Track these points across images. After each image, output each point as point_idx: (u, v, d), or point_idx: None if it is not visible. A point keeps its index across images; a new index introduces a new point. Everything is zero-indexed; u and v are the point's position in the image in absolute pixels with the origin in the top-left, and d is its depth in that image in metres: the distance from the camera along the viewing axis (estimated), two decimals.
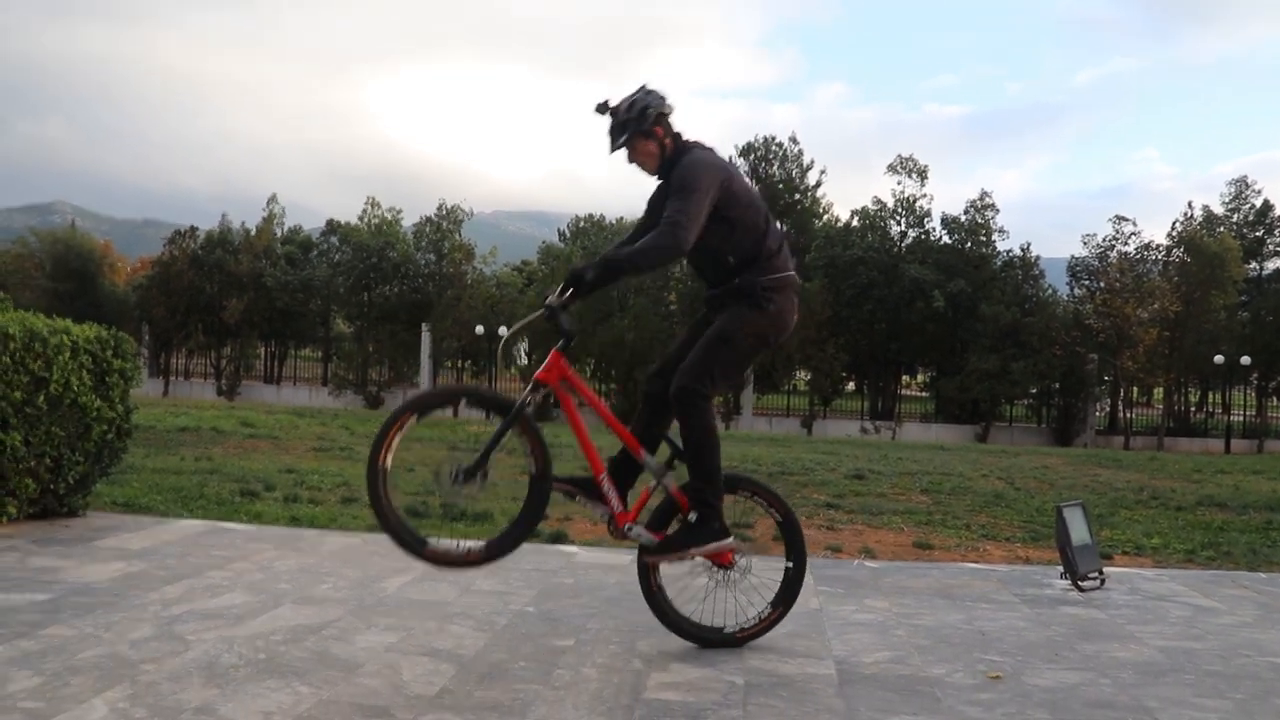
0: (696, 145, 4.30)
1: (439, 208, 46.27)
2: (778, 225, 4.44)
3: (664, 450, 4.35)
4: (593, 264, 4.05)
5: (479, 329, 39.87)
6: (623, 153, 4.27)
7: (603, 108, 4.25)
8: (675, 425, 4.29)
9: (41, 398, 6.03)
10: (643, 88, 4.27)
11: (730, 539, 4.26)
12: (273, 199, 49.62)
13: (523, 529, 4.12)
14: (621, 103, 4.24)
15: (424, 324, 42.47)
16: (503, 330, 39.78)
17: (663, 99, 4.27)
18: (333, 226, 49.45)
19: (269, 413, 24.04)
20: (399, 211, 49.25)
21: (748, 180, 4.32)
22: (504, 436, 4.03)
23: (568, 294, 4.05)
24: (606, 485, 4.20)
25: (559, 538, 7.61)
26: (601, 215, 50.57)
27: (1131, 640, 4.71)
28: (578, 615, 4.76)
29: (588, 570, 5.78)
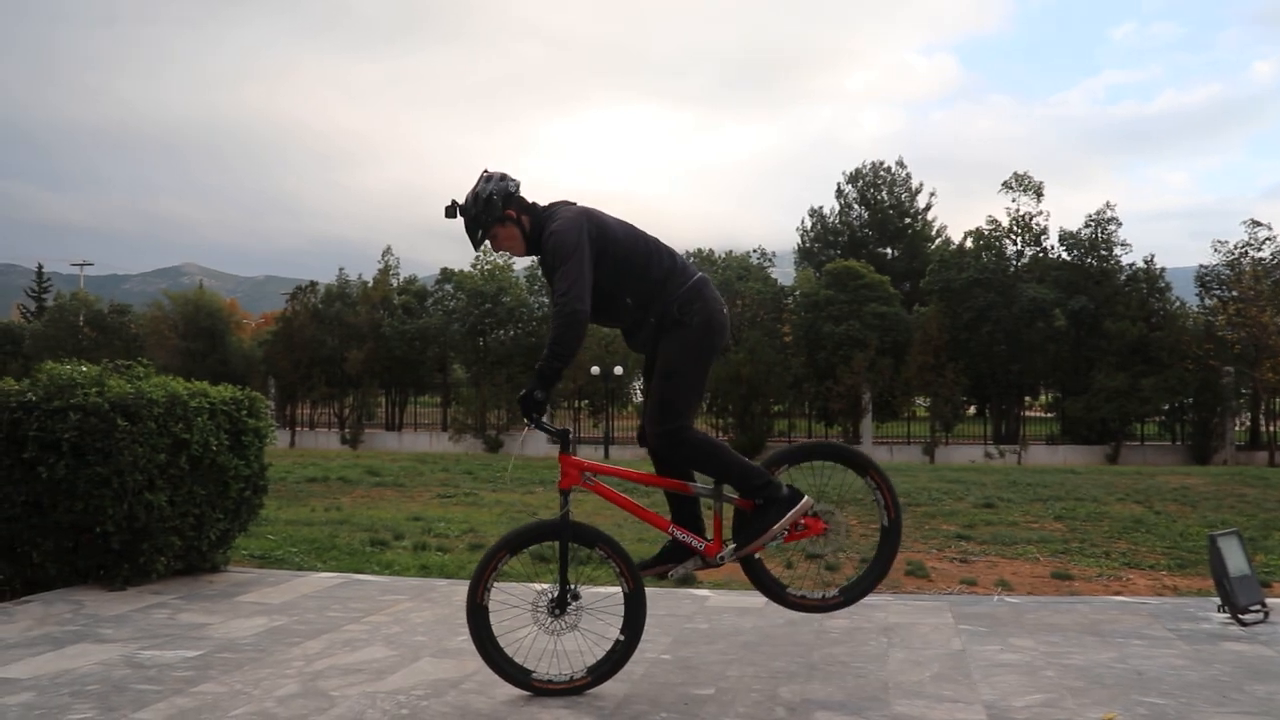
0: (556, 207, 4.33)
1: None
2: (659, 242, 4.40)
3: (706, 476, 4.41)
4: (532, 383, 4.09)
5: (594, 369, 40.12)
6: (486, 245, 4.34)
7: (451, 211, 4.28)
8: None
9: (183, 458, 6.26)
10: (482, 176, 4.30)
11: (806, 498, 4.27)
12: (387, 250, 50.98)
13: (629, 642, 4.27)
14: (467, 200, 4.28)
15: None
16: (619, 369, 39.98)
17: (506, 181, 4.30)
18: (447, 275, 50.48)
19: (392, 460, 24.59)
20: (510, 257, 50.09)
21: (613, 218, 4.30)
22: (567, 556, 4.25)
23: (533, 416, 4.10)
24: (680, 534, 4.32)
25: (688, 581, 7.55)
26: (710, 250, 50.59)
27: None
28: (716, 662, 4.69)
29: (721, 614, 5.70)
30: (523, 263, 49.12)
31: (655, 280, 4.25)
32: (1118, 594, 7.83)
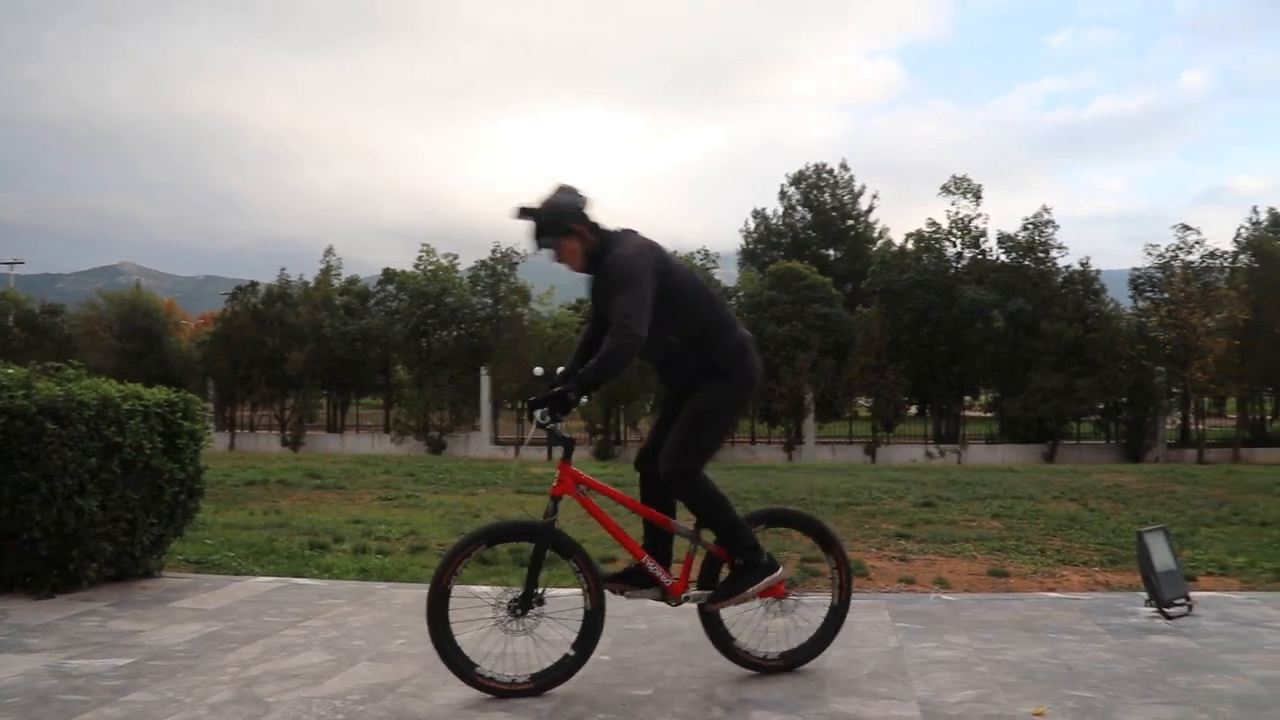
0: (623, 234, 4.41)
1: (494, 251, 46.73)
2: (712, 292, 4.59)
3: (688, 514, 4.49)
4: (571, 386, 4.15)
5: (538, 370, 40.02)
6: (546, 253, 4.41)
7: (523, 213, 4.35)
8: None
9: (115, 462, 6.14)
10: (558, 188, 4.39)
11: (780, 569, 4.44)
12: (329, 250, 50.44)
13: (579, 658, 4.33)
14: (542, 206, 4.35)
15: (483, 368, 42.79)
16: (546, 369, 39.89)
17: (579, 197, 4.38)
18: (389, 275, 50.09)
19: (334, 462, 24.33)
20: (455, 257, 49.83)
21: (674, 258, 4.40)
22: (542, 560, 4.27)
23: (557, 416, 4.16)
24: (651, 565, 4.41)
25: None
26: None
27: (1227, 671, 4.54)
28: (654, 662, 4.71)
29: (660, 615, 5.71)
30: (466, 262, 48.89)
31: (706, 325, 4.39)
32: (1051, 590, 7.96)
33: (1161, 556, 5.80)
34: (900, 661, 4.69)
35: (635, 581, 4.44)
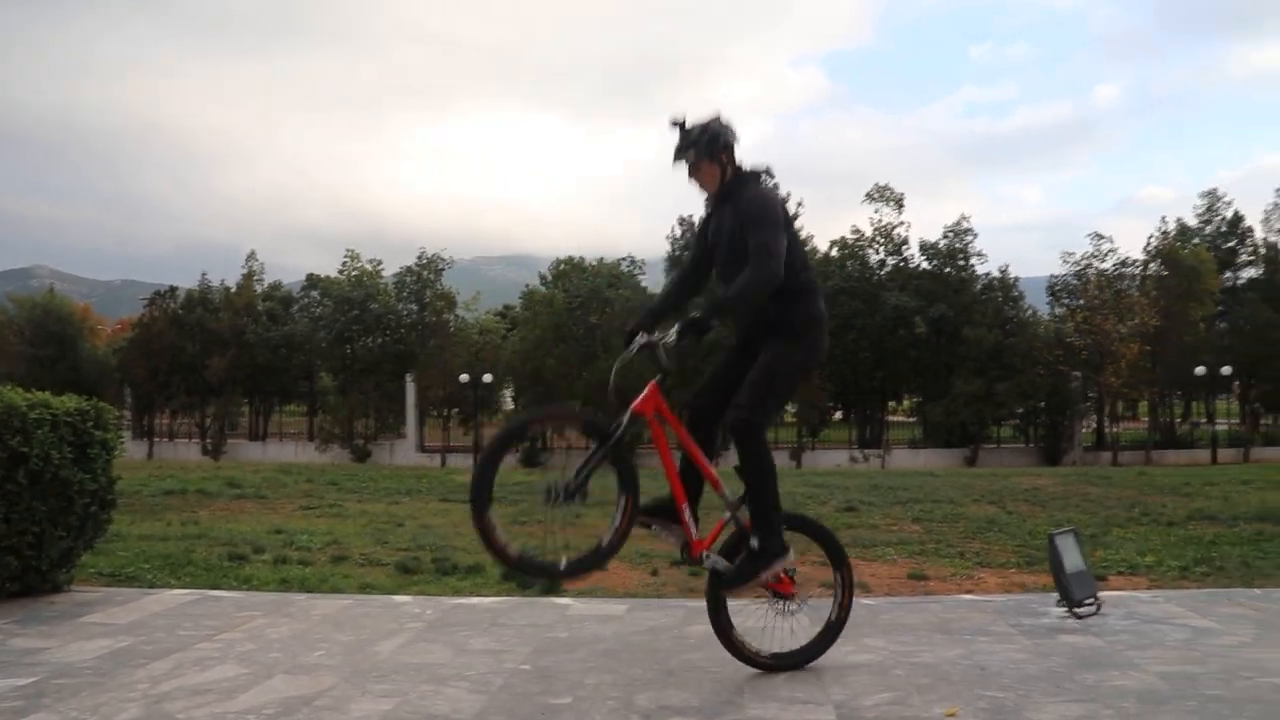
0: (757, 175, 4.58)
1: (419, 257, 46.30)
2: (811, 266, 4.71)
3: (737, 484, 4.54)
4: (705, 313, 4.25)
5: (463, 377, 39.78)
6: (683, 167, 4.54)
7: (678, 124, 4.50)
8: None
9: (21, 473, 5.96)
10: (715, 116, 4.54)
11: (790, 553, 4.52)
12: (251, 255, 49.56)
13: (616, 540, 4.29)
14: (695, 124, 4.50)
15: (408, 374, 42.37)
16: (488, 377, 39.70)
17: (732, 129, 4.55)
18: (313, 281, 49.40)
19: (255, 471, 23.91)
20: (379, 263, 49.33)
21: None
22: (602, 459, 4.22)
23: (686, 339, 4.23)
24: (688, 514, 4.43)
25: (553, 589, 7.54)
26: (582, 257, 50.58)
27: (1131, 667, 4.68)
28: (574, 670, 4.70)
29: (583, 623, 5.72)
30: (390, 269, 48.36)
31: (799, 286, 4.46)
32: (969, 592, 8.13)
33: (1072, 558, 5.95)
34: (818, 666, 4.74)
35: (666, 516, 4.45)
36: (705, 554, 4.46)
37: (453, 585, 8.42)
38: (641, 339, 4.38)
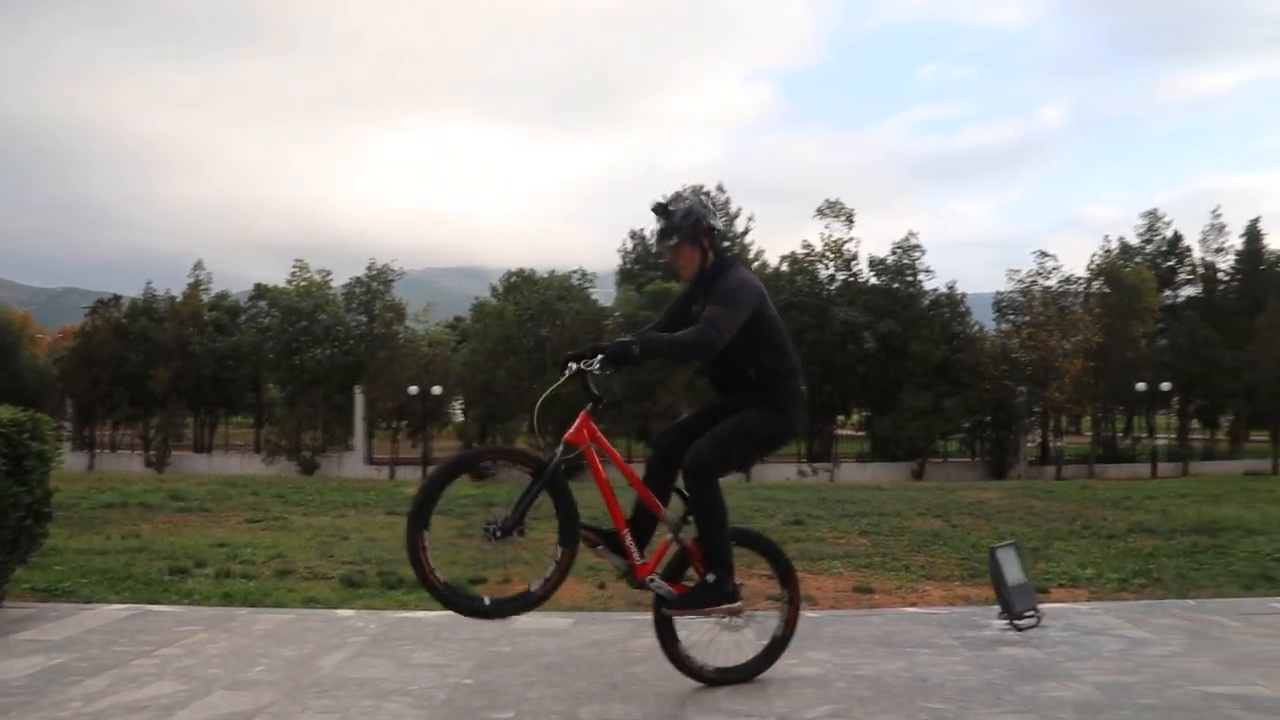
0: (737, 262, 4.75)
1: (369, 267, 45.96)
2: (794, 346, 4.81)
3: (678, 506, 4.60)
4: (635, 341, 4.34)
5: (413, 389, 39.51)
6: (668, 251, 4.65)
7: (659, 209, 4.62)
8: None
9: None
10: (698, 196, 4.67)
11: (739, 602, 4.58)
12: (198, 265, 48.88)
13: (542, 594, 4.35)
14: (677, 208, 4.60)
15: (357, 386, 41.99)
16: (437, 389, 39.47)
17: (712, 209, 4.70)
18: (261, 291, 48.83)
19: (200, 483, 23.52)
20: (328, 273, 48.88)
21: (773, 305, 4.72)
22: (538, 493, 4.24)
23: (606, 362, 4.30)
24: (628, 539, 4.47)
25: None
26: (533, 269, 50.50)
27: (1069, 678, 4.76)
28: (518, 684, 4.69)
29: (527, 637, 5.70)
30: (340, 280, 47.94)
31: (783, 371, 4.62)
32: (913, 605, 8.20)
33: (1012, 571, 6.04)
34: (762, 679, 4.77)
35: (610, 543, 4.50)
36: (650, 578, 4.50)
37: (398, 599, 8.34)
38: (573, 367, 4.41)
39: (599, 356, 4.32)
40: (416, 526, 4.13)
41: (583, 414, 4.40)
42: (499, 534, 4.17)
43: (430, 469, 4.21)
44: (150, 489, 20.22)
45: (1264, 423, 45.64)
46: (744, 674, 4.71)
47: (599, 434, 4.44)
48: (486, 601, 4.28)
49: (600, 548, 4.48)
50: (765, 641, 4.80)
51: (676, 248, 4.59)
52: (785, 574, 4.87)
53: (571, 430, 4.37)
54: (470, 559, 8.68)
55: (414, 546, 4.10)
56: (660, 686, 4.63)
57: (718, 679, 4.65)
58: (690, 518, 4.58)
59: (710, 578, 4.49)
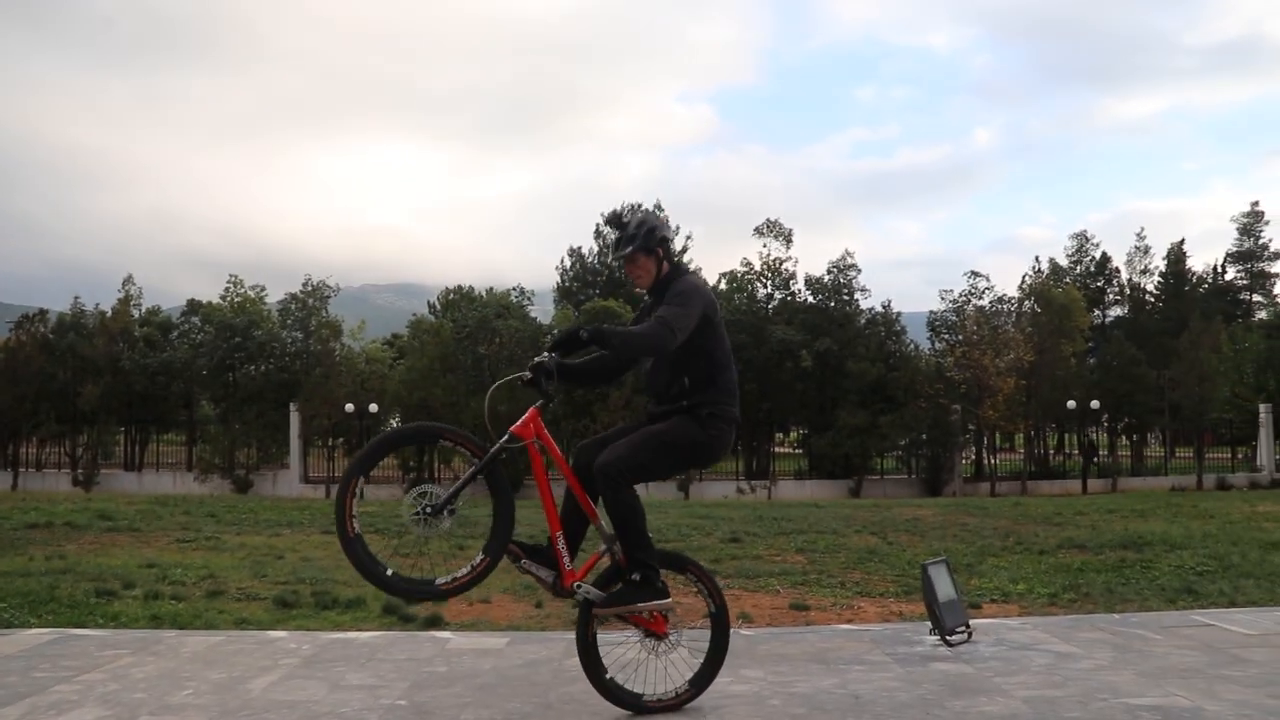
0: (690, 271, 4.75)
1: (305, 284, 45.39)
2: (734, 369, 4.80)
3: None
4: (584, 327, 4.39)
5: (349, 407, 39.05)
6: (624, 263, 4.68)
7: (614, 219, 4.70)
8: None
9: None
10: (652, 211, 4.65)
11: (669, 599, 4.53)
12: (129, 280, 47.89)
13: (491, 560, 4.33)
14: (632, 219, 4.66)
15: (292, 403, 41.39)
16: (373, 407, 39.05)
17: (666, 224, 4.78)
18: (194, 306, 47.94)
19: (129, 503, 23.03)
20: (263, 289, 48.17)
21: (722, 321, 4.75)
22: (473, 479, 4.27)
23: (555, 347, 4.42)
24: (561, 544, 4.45)
25: (434, 622, 7.46)
26: (471, 286, 50.28)
27: (998, 693, 4.83)
28: (451, 705, 4.65)
29: (461, 657, 5.66)
30: (275, 295, 47.31)
31: (719, 387, 4.60)
32: (848, 622, 8.28)
33: (944, 587, 6.12)
34: (695, 698, 4.78)
35: (537, 557, 4.45)
36: (577, 585, 4.44)
37: (332, 619, 8.25)
38: (530, 366, 4.42)
39: (546, 354, 4.39)
40: (355, 470, 4.23)
41: (532, 409, 4.43)
42: (429, 511, 4.18)
43: (395, 428, 4.18)
44: (77, 508, 19.76)
45: (1189, 440, 46.85)
46: (713, 668, 4.72)
47: (545, 432, 4.45)
48: (388, 571, 4.18)
49: (524, 561, 4.43)
50: (699, 660, 4.74)
51: (632, 257, 4.62)
52: (678, 563, 4.78)
53: (519, 423, 4.38)
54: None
55: (345, 488, 4.14)
56: (595, 705, 4.62)
57: (695, 690, 4.64)
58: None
59: (635, 576, 4.45)
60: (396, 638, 6.36)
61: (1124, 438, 50.31)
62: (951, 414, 41.75)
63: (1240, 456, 45.80)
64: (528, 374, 4.42)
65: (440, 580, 4.23)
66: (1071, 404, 41.66)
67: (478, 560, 4.25)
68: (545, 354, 4.39)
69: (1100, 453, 47.95)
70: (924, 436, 43.54)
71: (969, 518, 19.16)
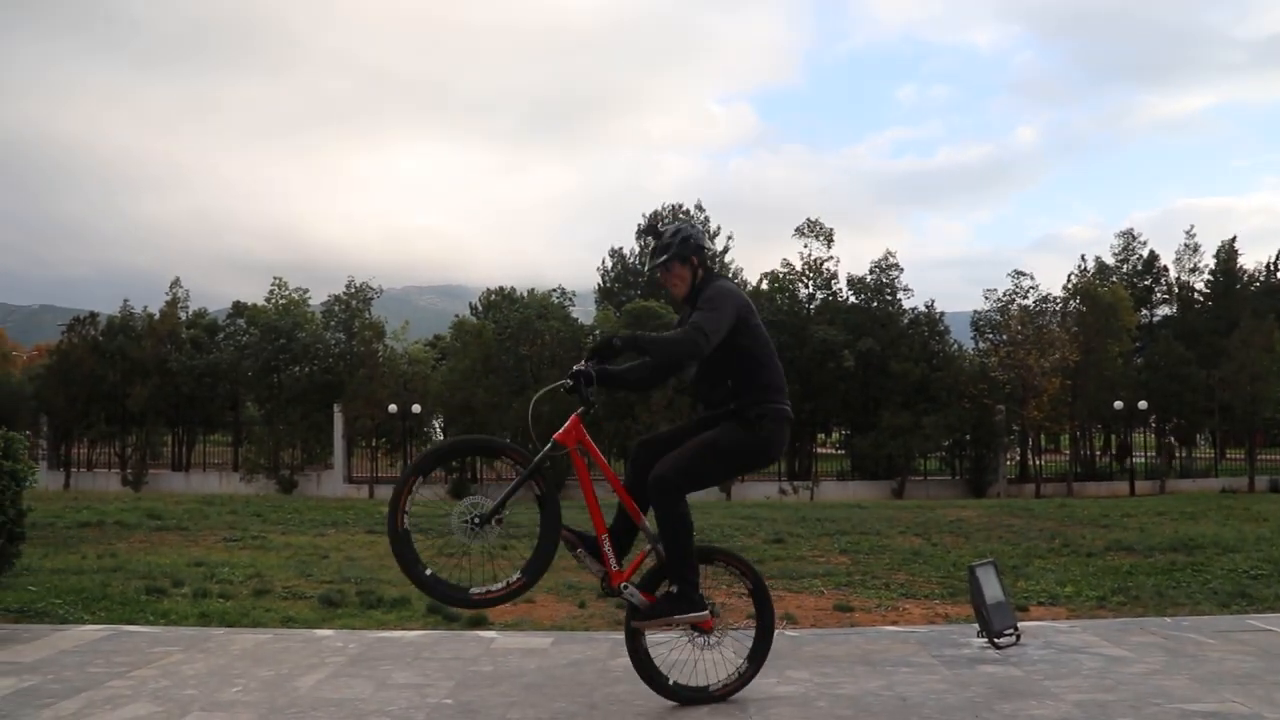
0: (723, 276, 4.81)
1: (348, 285, 45.79)
2: (780, 365, 4.80)
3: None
4: (618, 336, 4.43)
5: (392, 408, 39.33)
6: (659, 272, 4.75)
7: (650, 229, 4.76)
8: None
9: None
10: (688, 220, 4.68)
11: (705, 610, 4.58)
12: (176, 282, 48.57)
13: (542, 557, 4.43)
14: (667, 229, 4.72)
15: (336, 404, 41.77)
16: (416, 407, 39.31)
17: (703, 234, 4.79)
18: (239, 309, 48.53)
19: (177, 502, 23.34)
20: (306, 291, 48.65)
21: (760, 320, 4.78)
22: (520, 487, 4.34)
23: (591, 356, 4.46)
24: (607, 545, 4.52)
25: (478, 622, 7.48)
26: (513, 287, 50.44)
27: (1048, 697, 4.77)
28: (498, 705, 4.67)
29: (506, 656, 5.68)
30: (318, 297, 47.79)
31: (761, 385, 4.62)
32: (894, 624, 8.21)
33: (991, 589, 6.06)
34: (741, 698, 4.76)
35: (589, 547, 4.53)
36: (624, 585, 4.51)
37: (377, 618, 8.30)
38: (571, 374, 4.49)
39: (585, 362, 4.45)
40: (417, 470, 4.33)
41: (573, 417, 4.47)
42: (477, 522, 4.26)
43: (455, 438, 4.30)
44: (127, 507, 20.05)
45: (1240, 441, 46.02)
46: (764, 642, 4.82)
47: (587, 438, 4.50)
48: (427, 571, 4.28)
49: (580, 550, 4.51)
50: (741, 660, 4.79)
51: (667, 266, 4.66)
52: (707, 554, 4.84)
53: (561, 430, 4.44)
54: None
55: (402, 485, 4.27)
56: (639, 706, 4.62)
57: (691, 698, 4.66)
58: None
59: (674, 589, 4.50)
60: (442, 637, 6.39)
61: (1172, 439, 49.54)
62: (996, 414, 41.34)
63: None
64: (569, 381, 4.47)
65: (475, 590, 4.33)
66: (1118, 404, 41.07)
67: (514, 578, 4.34)
68: (584, 362, 4.45)
69: (1146, 453, 47.23)
70: (968, 437, 43.12)
71: (1014, 519, 18.94)
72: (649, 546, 4.64)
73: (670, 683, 4.62)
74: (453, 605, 4.52)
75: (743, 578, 4.83)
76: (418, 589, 4.37)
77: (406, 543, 4.24)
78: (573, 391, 4.45)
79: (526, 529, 4.50)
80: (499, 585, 4.33)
